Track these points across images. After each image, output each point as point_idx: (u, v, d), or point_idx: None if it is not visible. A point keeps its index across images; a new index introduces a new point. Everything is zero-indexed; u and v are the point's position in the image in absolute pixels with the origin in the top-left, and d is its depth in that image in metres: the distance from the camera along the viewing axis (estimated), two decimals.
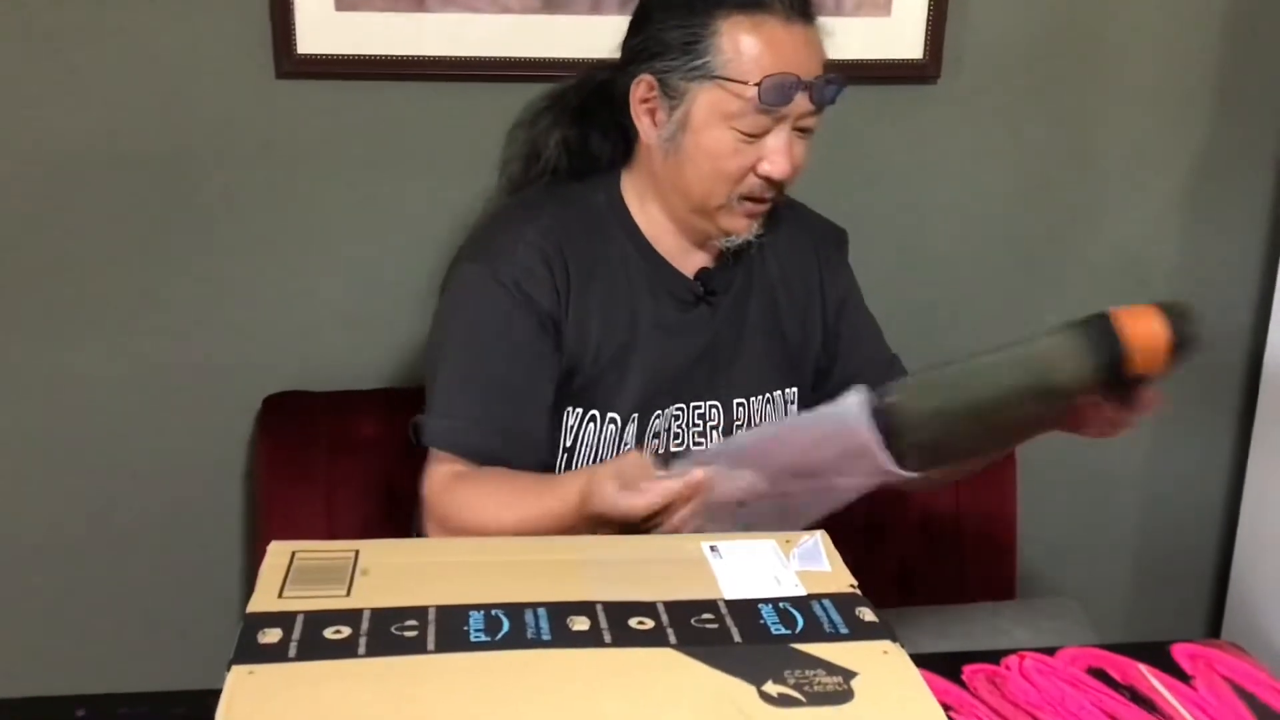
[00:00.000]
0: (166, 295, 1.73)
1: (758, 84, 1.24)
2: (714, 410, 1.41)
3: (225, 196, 1.71)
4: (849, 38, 1.75)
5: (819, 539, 1.05)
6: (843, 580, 1.00)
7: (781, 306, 1.45)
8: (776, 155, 1.29)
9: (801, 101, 1.27)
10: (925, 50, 1.79)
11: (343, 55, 1.67)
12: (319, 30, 1.65)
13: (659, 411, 1.38)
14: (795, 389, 1.46)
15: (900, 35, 1.78)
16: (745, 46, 1.25)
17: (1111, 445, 2.01)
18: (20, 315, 1.70)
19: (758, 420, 1.43)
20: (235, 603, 1.81)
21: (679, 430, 1.40)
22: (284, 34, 1.64)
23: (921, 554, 1.84)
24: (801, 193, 1.45)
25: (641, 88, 1.32)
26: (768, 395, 1.44)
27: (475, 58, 1.69)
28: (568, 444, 1.37)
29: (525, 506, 1.23)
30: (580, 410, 1.36)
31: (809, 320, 1.47)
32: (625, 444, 1.37)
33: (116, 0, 1.61)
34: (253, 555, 1.81)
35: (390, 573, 0.97)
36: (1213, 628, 2.10)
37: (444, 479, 1.30)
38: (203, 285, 1.74)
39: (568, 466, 1.37)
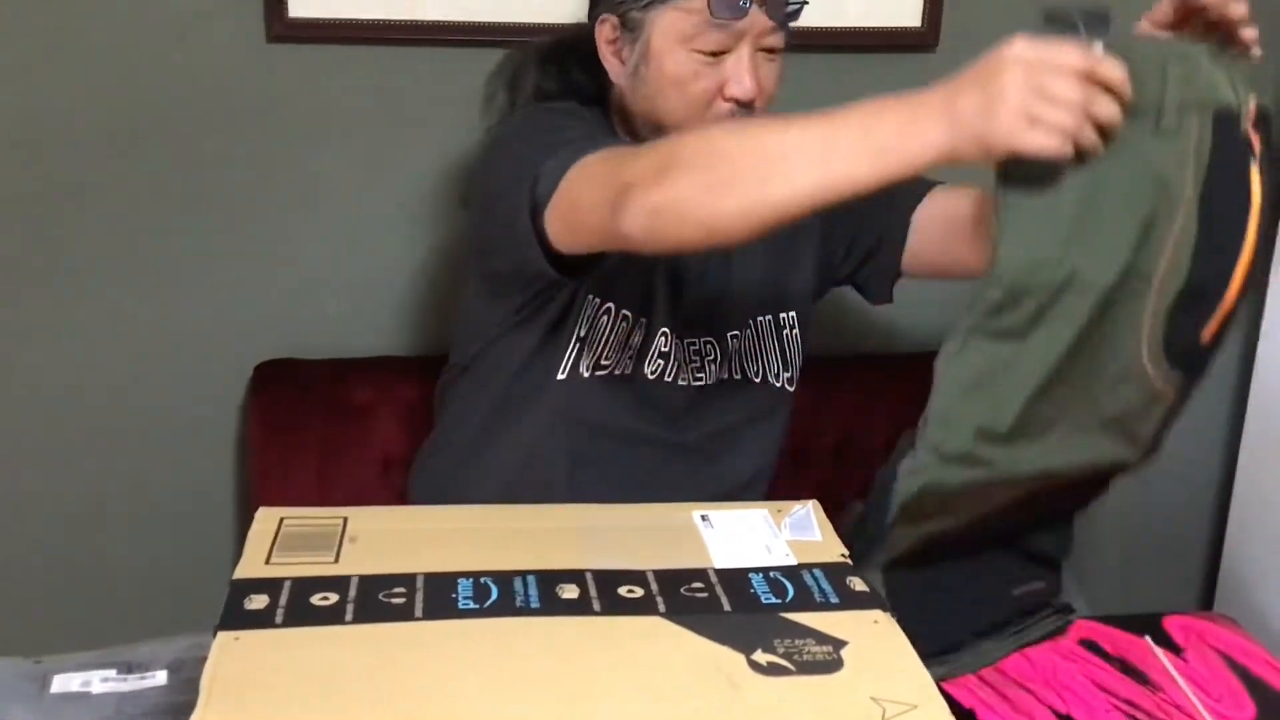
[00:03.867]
0: (158, 261, 1.72)
1: None
2: (709, 345, 1.41)
3: (217, 162, 1.69)
4: (846, 4, 1.74)
5: (810, 509, 1.05)
6: (834, 550, 1.00)
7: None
8: (740, 74, 1.27)
9: (758, 17, 1.25)
10: (924, 18, 1.77)
11: (335, 19, 1.65)
12: None
13: (664, 330, 1.37)
14: (792, 313, 1.44)
15: (899, 2, 1.77)
16: None
17: None
18: (9, 282, 1.69)
19: (753, 351, 1.42)
20: (228, 570, 1.80)
21: (678, 358, 1.39)
22: None
23: None
24: None
25: (606, 29, 1.32)
26: (764, 319, 1.43)
27: (469, 22, 1.67)
28: (581, 333, 1.34)
29: (819, 126, 1.00)
30: (598, 301, 1.34)
31: (797, 245, 1.44)
32: (631, 347, 1.36)
33: None
34: (245, 523, 1.80)
35: (379, 540, 0.96)
36: (1205, 601, 2.11)
37: (616, 157, 1.14)
38: (194, 251, 1.72)
39: (579, 355, 1.35)
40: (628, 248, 1.12)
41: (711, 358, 1.41)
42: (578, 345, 1.35)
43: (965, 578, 1.16)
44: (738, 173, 1.02)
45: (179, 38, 1.63)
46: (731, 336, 1.42)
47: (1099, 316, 0.99)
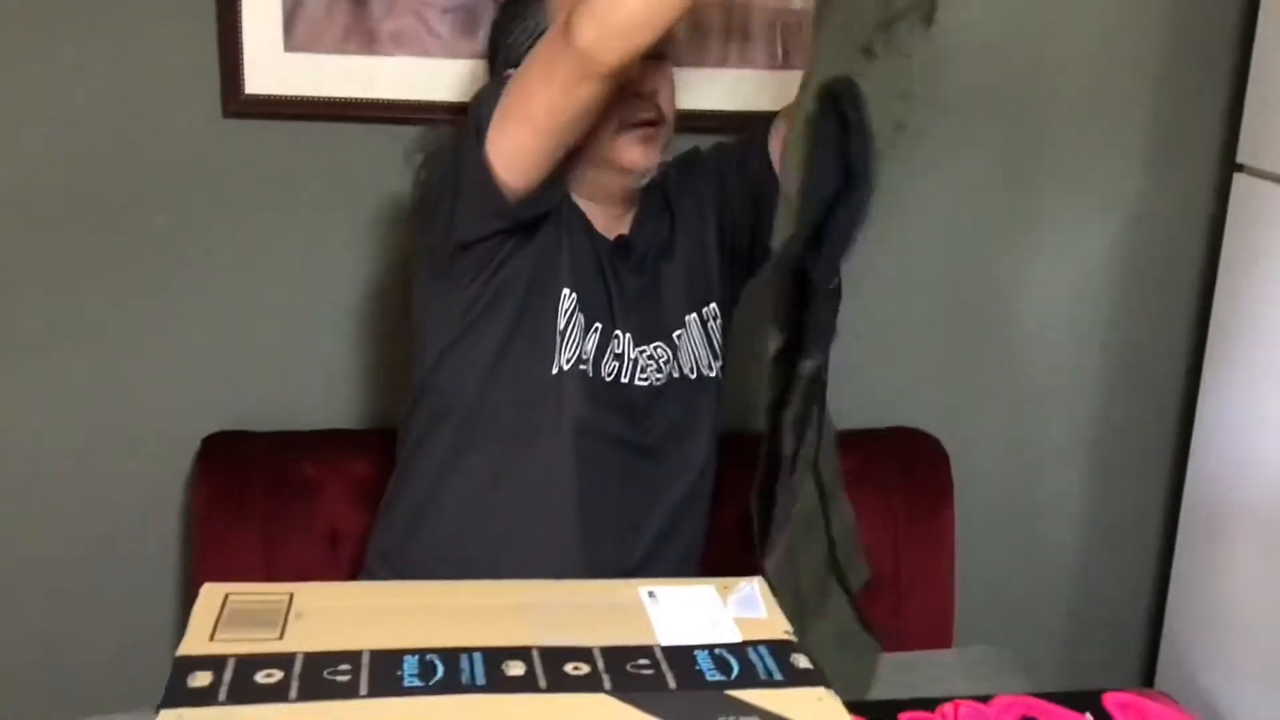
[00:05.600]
0: (107, 331, 1.71)
1: None
2: (659, 349, 1.46)
3: (169, 234, 1.70)
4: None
5: (756, 586, 1.05)
6: (778, 627, 1.00)
7: (678, 241, 1.51)
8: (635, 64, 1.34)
9: None
10: None
11: (291, 96, 1.67)
12: (268, 70, 1.65)
13: (617, 334, 1.43)
14: (713, 304, 1.52)
15: None
16: None
17: (1048, 492, 2.07)
18: None
19: (689, 348, 1.49)
20: (169, 645, 1.78)
21: (633, 360, 1.44)
22: (232, 73, 1.64)
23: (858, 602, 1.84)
24: None
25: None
26: (692, 317, 1.50)
27: (425, 101, 1.70)
28: (560, 327, 1.39)
29: None
30: (574, 296, 1.40)
31: (705, 236, 1.53)
32: (588, 350, 1.41)
33: (66, 35, 1.60)
34: (188, 597, 1.78)
35: (325, 616, 0.95)
36: (1147, 678, 2.12)
37: (547, 38, 1.28)
38: (144, 322, 1.72)
39: (560, 351, 1.39)
40: (589, 70, 1.21)
41: (665, 359, 1.47)
42: (558, 339, 1.39)
43: None
44: None
45: (135, 111, 1.65)
46: (677, 336, 1.48)
47: None
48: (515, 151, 1.28)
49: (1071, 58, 1.90)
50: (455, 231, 1.35)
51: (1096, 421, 2.06)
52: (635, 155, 1.41)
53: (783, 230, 1.29)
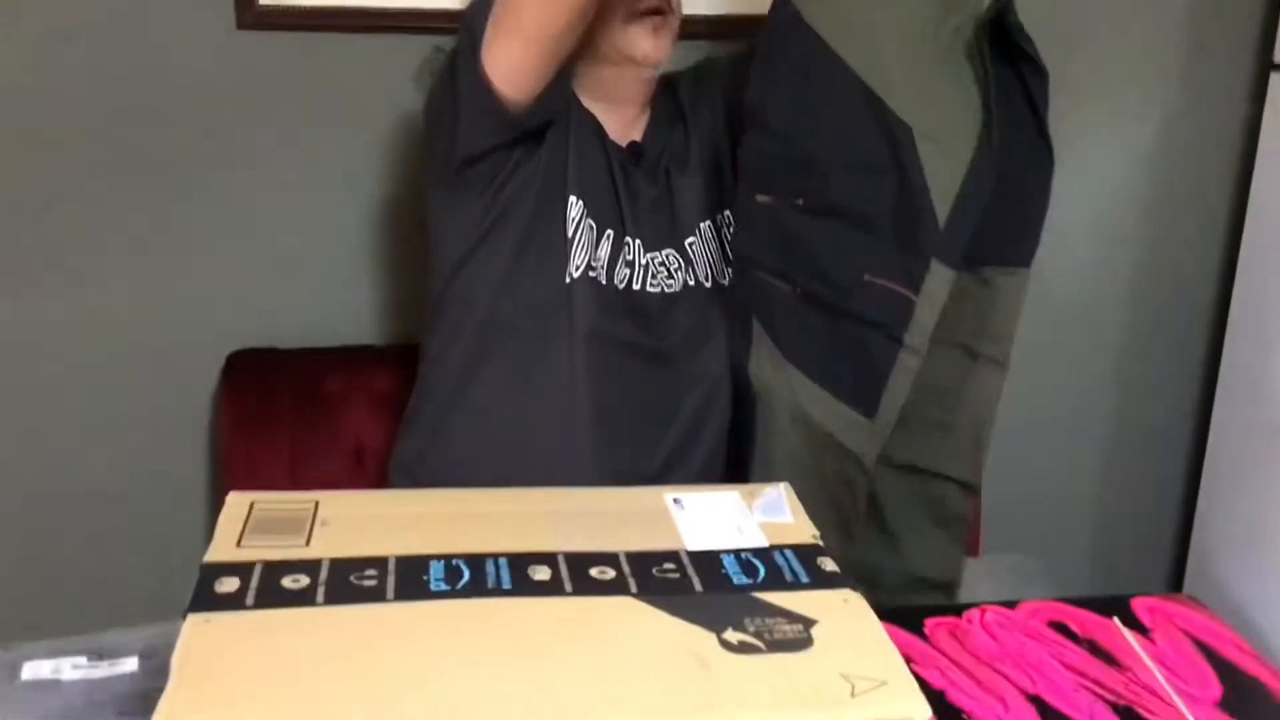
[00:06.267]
0: (128, 250, 1.71)
1: None
2: (671, 255, 1.45)
3: (187, 151, 1.68)
4: None
5: (782, 491, 1.05)
6: (805, 531, 1.00)
7: (692, 149, 1.50)
8: None
9: None
10: None
11: (306, 7, 1.64)
12: None
13: (627, 240, 1.42)
14: (727, 211, 1.50)
15: None
16: None
17: (1077, 401, 2.05)
18: None
19: (704, 255, 1.48)
20: (198, 557, 1.80)
21: (644, 267, 1.44)
22: None
23: None
24: None
25: None
26: (706, 224, 1.49)
27: (440, 10, 1.66)
28: (569, 234, 1.38)
29: None
30: (581, 204, 1.39)
31: (719, 144, 1.51)
32: (600, 257, 1.40)
33: None
34: (216, 510, 1.79)
35: (350, 524, 0.96)
36: (1174, 583, 2.13)
37: None
38: (165, 240, 1.72)
39: (571, 258, 1.38)
40: None
41: (677, 266, 1.46)
42: (569, 247, 1.38)
43: None
44: None
45: (148, 26, 1.62)
46: (689, 244, 1.47)
47: None
48: (509, 65, 1.26)
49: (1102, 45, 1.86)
50: (458, 146, 1.33)
51: (1126, 328, 2.04)
52: (645, 45, 1.39)
53: (936, 175, 1.27)
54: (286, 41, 1.66)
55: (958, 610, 1.21)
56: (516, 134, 1.32)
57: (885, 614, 0.90)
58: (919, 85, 1.27)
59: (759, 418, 1.40)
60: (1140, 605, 1.23)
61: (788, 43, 1.26)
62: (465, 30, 1.28)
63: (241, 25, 1.64)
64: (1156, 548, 2.16)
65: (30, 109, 1.63)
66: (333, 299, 1.79)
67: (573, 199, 1.38)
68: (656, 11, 1.38)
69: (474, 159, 1.34)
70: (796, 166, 1.32)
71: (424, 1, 1.66)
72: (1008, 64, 1.34)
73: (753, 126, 1.33)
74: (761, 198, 1.34)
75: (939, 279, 1.30)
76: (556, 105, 1.34)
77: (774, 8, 1.28)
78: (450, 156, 1.35)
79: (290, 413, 1.70)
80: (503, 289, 1.38)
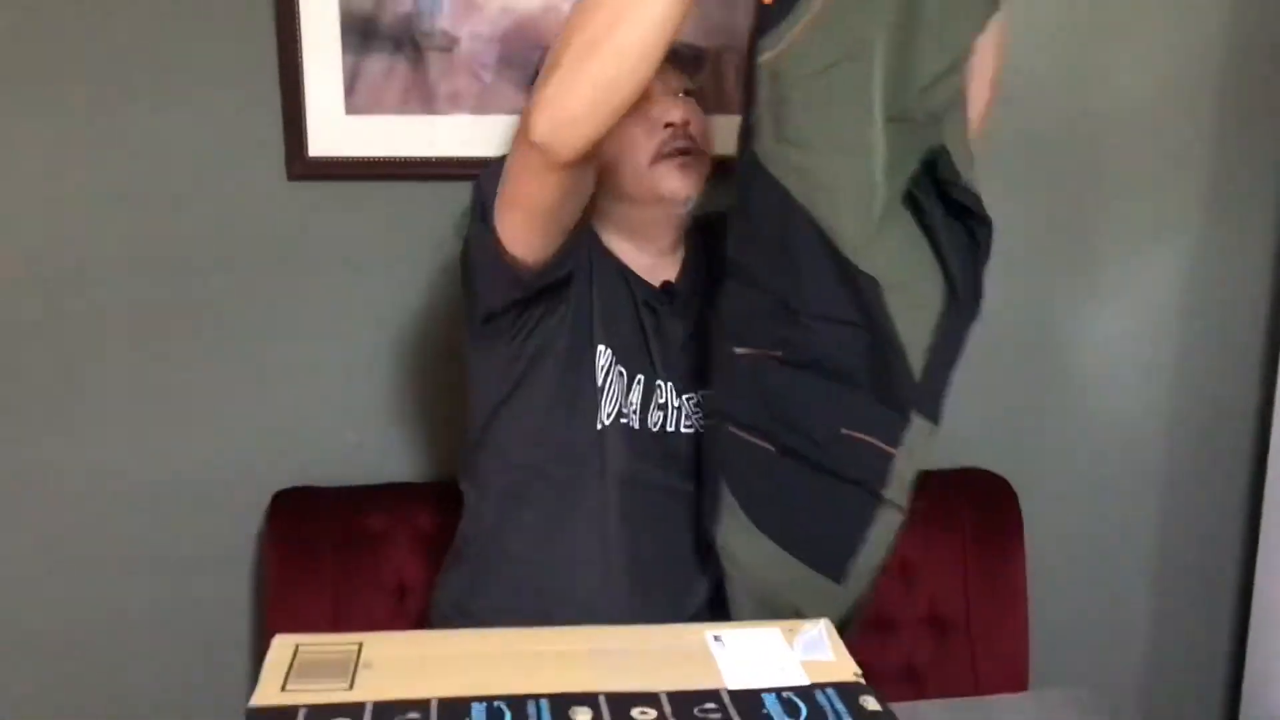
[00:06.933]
0: (177, 392, 1.75)
1: None
2: (706, 396, 1.45)
3: (236, 295, 1.74)
4: None
5: (823, 628, 1.05)
6: (846, 669, 0.99)
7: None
8: (662, 102, 1.36)
9: (664, 72, 1.29)
10: None
11: (353, 158, 1.71)
12: (330, 133, 1.69)
13: (659, 383, 1.43)
14: None
15: None
16: None
17: (1122, 529, 2.03)
18: (30, 414, 1.72)
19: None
20: (243, 699, 1.80)
21: (677, 409, 1.44)
22: (295, 137, 1.68)
23: (931, 647, 1.82)
24: None
25: None
26: None
27: (485, 158, 1.71)
28: (599, 383, 1.39)
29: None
30: (610, 352, 1.40)
31: None
32: (632, 402, 1.41)
33: (135, 102, 1.66)
34: (261, 651, 1.80)
35: (393, 665, 0.96)
36: (1229, 712, 2.07)
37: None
38: (213, 382, 1.76)
39: (601, 406, 1.39)
40: (550, 161, 1.19)
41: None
42: (599, 395, 1.39)
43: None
44: (592, 33, 1.12)
45: (202, 176, 1.69)
46: None
47: None
48: (515, 235, 1.28)
49: (1126, 101, 1.89)
50: (479, 303, 1.37)
51: (1166, 458, 2.03)
52: (674, 183, 1.40)
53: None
54: (334, 191, 1.72)
55: None
56: (529, 293, 1.34)
57: None
58: (880, 239, 1.22)
59: (728, 593, 1.35)
60: None
61: (755, 191, 1.21)
62: (475, 195, 1.31)
63: (291, 176, 1.70)
64: (1209, 681, 2.11)
65: (81, 257, 1.69)
66: (377, 438, 1.81)
67: (601, 347, 1.39)
68: (684, 152, 1.40)
69: (494, 315, 1.37)
70: (777, 318, 1.25)
71: (467, 149, 1.72)
72: (956, 216, 1.29)
73: (732, 277, 1.27)
74: (740, 350, 1.27)
75: (918, 432, 1.26)
76: (568, 263, 1.35)
77: (740, 155, 1.22)
78: (474, 311, 1.38)
79: (332, 551, 1.71)
80: (537, 437, 1.40)
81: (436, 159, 1.72)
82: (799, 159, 1.19)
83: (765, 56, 1.14)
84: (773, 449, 1.27)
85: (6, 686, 1.78)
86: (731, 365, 1.28)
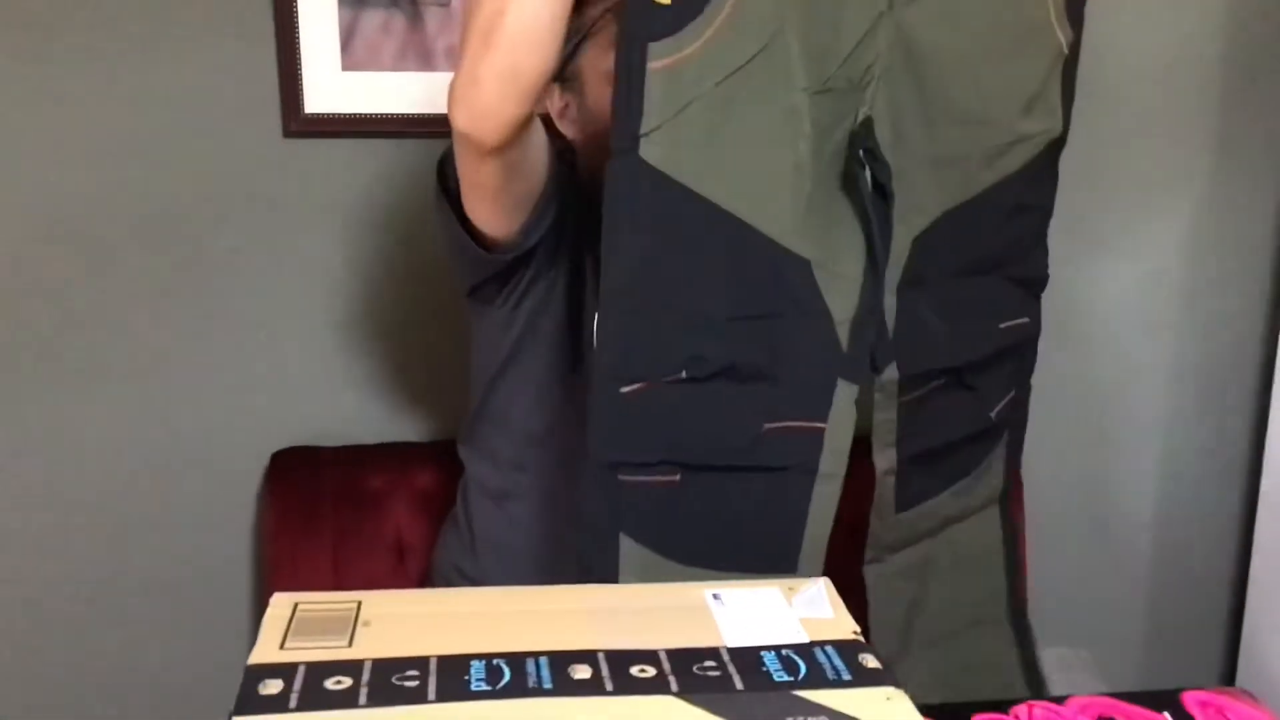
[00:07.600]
0: (174, 351, 1.74)
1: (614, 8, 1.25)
2: None
3: (233, 253, 1.73)
4: None
5: (822, 586, 1.05)
6: (845, 627, 0.99)
7: None
8: None
9: None
10: None
11: (350, 114, 1.69)
12: (327, 90, 1.68)
13: None
14: None
15: None
16: None
17: (1122, 491, 2.03)
18: (27, 375, 1.72)
19: None
20: (242, 658, 1.80)
21: None
22: (291, 94, 1.67)
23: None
24: None
25: (555, 100, 1.37)
26: None
27: None
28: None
29: None
30: None
31: None
32: None
33: (129, 61, 1.64)
34: (260, 611, 1.80)
35: (392, 623, 0.96)
36: (1227, 676, 2.08)
37: None
38: (210, 341, 1.75)
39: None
40: (479, 150, 1.16)
41: None
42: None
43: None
44: (484, 24, 1.09)
45: (197, 134, 1.68)
46: None
47: None
48: (477, 215, 1.27)
49: (1136, 61, 1.87)
50: (458, 278, 1.37)
51: (1168, 418, 2.03)
52: None
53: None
54: (331, 148, 1.71)
55: (1004, 706, 1.19)
56: (500, 267, 1.33)
57: (930, 710, 0.89)
58: (810, 218, 1.19)
59: None
60: (1191, 699, 1.20)
61: (642, 200, 1.12)
62: (439, 175, 1.30)
63: (288, 133, 1.69)
64: (1207, 639, 2.12)
65: (76, 218, 1.68)
66: (376, 397, 1.81)
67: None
68: None
69: (475, 287, 1.36)
70: (690, 333, 1.17)
71: None
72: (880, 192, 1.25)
73: (611, 312, 1.15)
74: (628, 389, 1.16)
75: (844, 396, 1.24)
76: (535, 235, 1.32)
77: (611, 165, 1.12)
78: (459, 284, 1.39)
79: (333, 510, 1.71)
80: (536, 405, 1.39)
81: (434, 115, 1.70)
82: (714, 157, 1.13)
83: (662, 63, 1.08)
84: (676, 479, 1.20)
85: (7, 636, 1.78)
86: (615, 408, 1.17)
